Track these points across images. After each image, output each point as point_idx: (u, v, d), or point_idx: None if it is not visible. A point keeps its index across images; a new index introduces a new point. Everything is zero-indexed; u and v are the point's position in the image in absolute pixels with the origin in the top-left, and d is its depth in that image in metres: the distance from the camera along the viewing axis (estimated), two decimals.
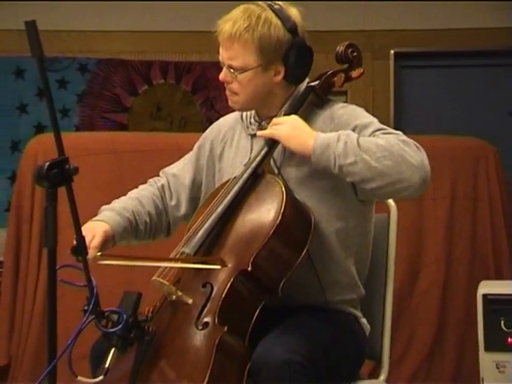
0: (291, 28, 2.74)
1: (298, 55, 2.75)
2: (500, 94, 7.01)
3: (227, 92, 2.83)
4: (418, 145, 2.63)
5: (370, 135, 2.67)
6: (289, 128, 2.67)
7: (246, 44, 2.72)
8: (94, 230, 2.72)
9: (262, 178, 2.72)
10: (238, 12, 2.76)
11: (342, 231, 2.78)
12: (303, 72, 2.81)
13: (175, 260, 2.65)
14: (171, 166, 3.08)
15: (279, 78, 2.78)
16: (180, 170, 3.03)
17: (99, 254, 2.66)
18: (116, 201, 2.96)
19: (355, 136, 2.60)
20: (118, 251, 2.77)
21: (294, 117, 2.71)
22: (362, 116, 2.78)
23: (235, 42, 2.73)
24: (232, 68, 2.76)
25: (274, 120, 2.73)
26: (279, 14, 2.75)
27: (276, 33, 2.72)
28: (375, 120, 2.75)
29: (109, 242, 2.76)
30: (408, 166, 2.56)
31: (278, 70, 2.77)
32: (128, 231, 2.85)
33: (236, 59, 2.74)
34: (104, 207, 2.91)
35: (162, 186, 3.00)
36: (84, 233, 2.61)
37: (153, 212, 2.94)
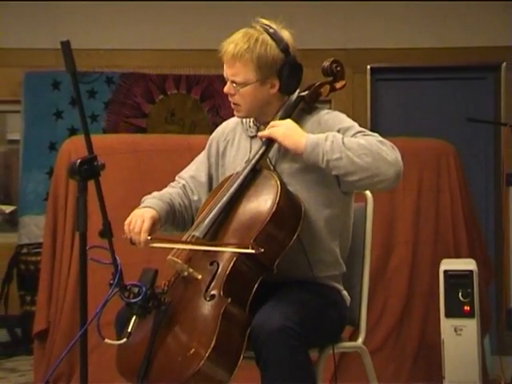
0: (284, 48, 2.75)
1: (290, 71, 2.76)
2: (459, 103, 7.02)
3: (232, 104, 2.84)
4: (393, 145, 2.65)
5: (351, 136, 2.68)
6: (284, 129, 2.68)
7: (246, 63, 2.72)
8: (143, 216, 2.72)
9: (260, 173, 2.72)
10: (239, 35, 2.76)
11: (328, 218, 2.78)
12: (295, 85, 2.82)
13: (212, 244, 2.63)
14: (185, 170, 3.05)
15: (275, 90, 2.78)
16: (195, 171, 3.01)
17: (149, 237, 2.67)
18: (153, 193, 2.93)
19: (340, 136, 2.62)
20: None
21: (288, 120, 2.72)
22: (344, 120, 2.79)
23: (237, 61, 2.73)
24: (235, 83, 2.76)
25: (272, 123, 2.73)
26: (274, 36, 2.75)
27: (271, 53, 2.73)
28: (356, 124, 2.77)
29: (156, 225, 2.77)
30: (385, 162, 2.58)
31: (274, 83, 2.77)
32: (169, 214, 2.85)
33: (238, 76, 2.75)
34: (146, 197, 2.89)
35: (184, 185, 2.98)
36: (134, 219, 2.70)
37: (182, 204, 2.93)
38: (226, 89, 2.81)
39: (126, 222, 2.72)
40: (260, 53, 2.72)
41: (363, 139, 2.62)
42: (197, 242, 2.65)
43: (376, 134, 2.70)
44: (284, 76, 2.76)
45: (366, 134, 2.69)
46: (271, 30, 2.76)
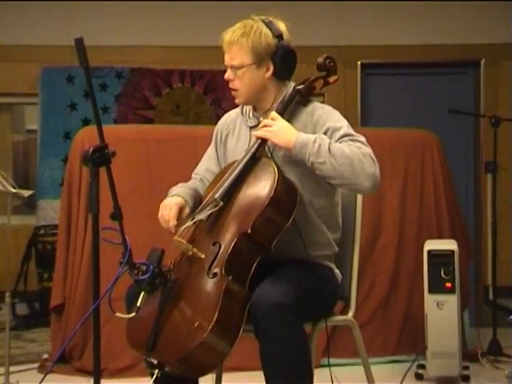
0: (278, 35, 2.76)
1: (283, 55, 2.76)
2: (442, 96, 7.02)
3: (232, 91, 2.83)
4: (373, 157, 2.64)
5: (339, 137, 2.67)
6: (277, 129, 2.66)
7: (242, 47, 2.74)
8: (170, 204, 2.75)
9: (259, 160, 2.71)
10: (236, 25, 2.79)
11: (316, 204, 2.78)
12: (288, 69, 2.81)
13: None
14: (199, 166, 3.05)
15: (269, 73, 2.78)
16: (207, 164, 3.01)
17: (176, 223, 2.68)
18: (178, 184, 2.94)
19: (328, 141, 2.60)
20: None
21: (281, 120, 2.69)
22: (336, 119, 2.77)
23: (234, 45, 2.75)
24: (233, 67, 2.77)
25: (265, 121, 2.71)
26: (269, 25, 2.78)
27: (265, 38, 2.75)
28: (345, 124, 2.74)
29: (185, 209, 2.77)
30: (363, 175, 2.59)
31: (269, 66, 2.77)
32: (195, 198, 2.84)
33: (235, 59, 2.76)
34: (172, 188, 2.90)
35: (201, 179, 2.98)
36: (162, 209, 2.73)
37: (202, 193, 2.92)
38: (226, 75, 2.81)
39: (159, 214, 2.75)
40: (255, 38, 2.74)
41: (348, 148, 2.60)
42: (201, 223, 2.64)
43: (362, 139, 2.68)
44: (277, 60, 2.76)
45: (352, 138, 2.67)
46: (267, 20, 2.79)
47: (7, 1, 6.81)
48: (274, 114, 2.72)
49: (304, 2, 6.87)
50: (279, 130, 2.66)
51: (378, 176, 2.62)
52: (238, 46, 2.74)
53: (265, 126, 2.70)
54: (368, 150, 2.64)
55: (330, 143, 2.60)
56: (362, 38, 7.00)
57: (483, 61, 7.03)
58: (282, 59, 2.76)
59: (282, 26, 2.80)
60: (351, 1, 6.99)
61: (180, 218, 2.73)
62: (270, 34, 2.75)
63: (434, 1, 6.93)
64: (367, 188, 2.62)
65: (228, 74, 2.80)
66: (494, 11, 7.01)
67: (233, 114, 3.01)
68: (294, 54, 2.80)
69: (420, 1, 6.92)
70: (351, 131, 2.71)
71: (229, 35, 2.76)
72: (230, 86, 2.82)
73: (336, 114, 2.80)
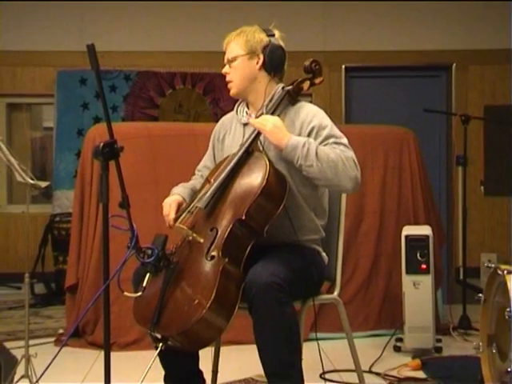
0: (270, 35, 2.81)
1: (272, 48, 2.79)
2: (417, 97, 7.02)
3: (227, 84, 2.85)
4: (356, 161, 2.64)
5: (324, 137, 2.67)
6: (272, 126, 2.65)
7: (237, 42, 2.80)
8: (170, 202, 2.79)
9: (252, 154, 2.70)
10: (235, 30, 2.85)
11: (303, 193, 2.77)
12: (277, 62, 2.81)
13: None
14: (201, 163, 3.06)
15: (259, 64, 2.79)
16: (206, 161, 3.03)
17: (174, 217, 2.71)
18: (180, 184, 2.97)
19: (315, 146, 2.59)
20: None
21: (276, 118, 2.68)
22: (321, 118, 2.75)
23: (231, 42, 2.82)
24: (229, 60, 2.81)
25: (263, 116, 2.70)
26: (264, 29, 2.83)
27: (259, 35, 2.80)
28: (330, 124, 2.73)
29: (182, 204, 2.80)
30: (345, 178, 2.59)
31: (259, 58, 2.78)
32: (191, 196, 2.84)
33: (231, 53, 2.81)
34: (173, 188, 2.92)
35: (201, 175, 2.99)
36: (163, 207, 2.78)
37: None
38: (223, 70, 2.85)
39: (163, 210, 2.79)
40: (249, 35, 2.80)
41: (333, 153, 2.60)
42: (199, 211, 2.64)
43: (345, 142, 2.68)
44: (267, 53, 2.77)
45: (337, 141, 2.67)
46: (263, 27, 2.83)
47: (26, 11, 6.80)
48: (265, 116, 2.70)
49: (293, 11, 6.87)
50: (274, 129, 2.64)
51: (359, 179, 2.63)
52: (235, 42, 2.80)
53: (263, 120, 2.68)
54: (350, 153, 2.65)
55: (317, 147, 2.59)
56: (345, 44, 7.00)
57: (454, 65, 7.04)
58: (271, 52, 2.78)
59: (276, 31, 2.84)
60: (337, 10, 6.99)
61: (179, 212, 2.74)
62: (263, 33, 2.80)
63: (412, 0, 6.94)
64: (348, 189, 2.64)
65: (225, 69, 2.84)
66: (465, 20, 7.02)
67: (229, 116, 3.01)
68: (282, 50, 2.81)
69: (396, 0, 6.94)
70: (335, 132, 2.71)
71: (228, 37, 2.83)
72: (226, 79, 2.84)
73: (321, 114, 2.78)
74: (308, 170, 2.59)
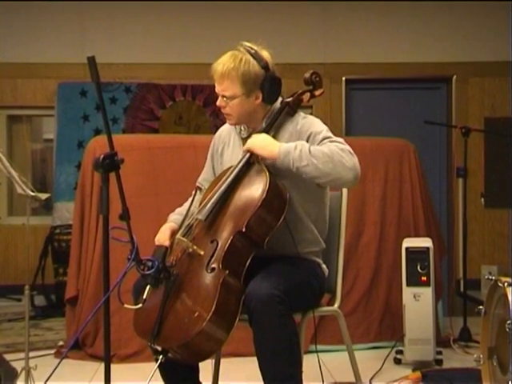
0: (264, 65, 2.73)
1: (270, 84, 2.74)
2: (418, 109, 7.03)
3: (225, 115, 2.82)
4: (351, 151, 2.62)
5: (320, 140, 2.66)
6: (259, 142, 2.65)
7: (233, 80, 2.71)
8: (164, 230, 2.79)
9: (253, 166, 2.70)
10: (226, 57, 2.75)
11: (305, 205, 2.77)
12: (275, 95, 2.79)
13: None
14: (202, 175, 3.05)
15: (259, 101, 2.76)
16: (206, 174, 3.02)
17: (169, 244, 2.70)
18: (176, 210, 2.97)
19: (307, 146, 2.59)
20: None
21: (262, 134, 2.69)
22: (317, 125, 2.76)
23: (225, 78, 2.72)
24: (225, 97, 2.75)
25: (248, 140, 2.71)
26: (255, 56, 2.73)
27: (253, 69, 2.71)
28: (325, 129, 2.73)
29: (176, 232, 2.77)
30: (344, 168, 2.56)
31: (258, 95, 2.75)
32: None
33: (227, 91, 2.73)
34: (170, 215, 2.94)
35: (201, 189, 2.96)
36: (159, 234, 2.77)
37: None
38: (218, 103, 2.79)
39: (156, 238, 2.77)
40: (244, 70, 2.70)
41: (327, 148, 2.59)
42: (200, 223, 2.64)
43: (340, 139, 2.67)
44: (266, 89, 2.74)
45: (331, 140, 2.66)
46: (252, 51, 2.74)
47: (27, 23, 6.83)
48: (254, 134, 2.71)
49: (293, 24, 6.89)
50: (261, 143, 2.64)
51: (358, 167, 2.60)
52: (230, 79, 2.71)
53: (249, 143, 2.69)
54: (346, 146, 2.63)
55: (309, 146, 2.59)
56: (346, 56, 7.01)
57: (455, 77, 7.05)
58: (269, 87, 2.74)
59: (265, 53, 2.77)
60: (337, 22, 7.01)
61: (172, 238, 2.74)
62: (256, 64, 2.71)
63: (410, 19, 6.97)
64: (350, 179, 2.58)
65: (220, 102, 2.78)
66: (465, 32, 7.04)
67: (227, 128, 3.00)
68: (279, 81, 2.78)
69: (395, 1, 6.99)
70: (330, 134, 2.71)
71: (220, 68, 2.72)
72: (223, 111, 2.81)
73: (317, 122, 2.79)
74: (305, 170, 2.57)
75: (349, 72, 7.02)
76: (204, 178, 3.02)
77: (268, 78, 2.73)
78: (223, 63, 2.72)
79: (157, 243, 2.72)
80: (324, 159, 2.55)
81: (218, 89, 2.77)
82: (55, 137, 6.83)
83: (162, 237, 2.76)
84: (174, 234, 2.77)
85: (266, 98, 2.76)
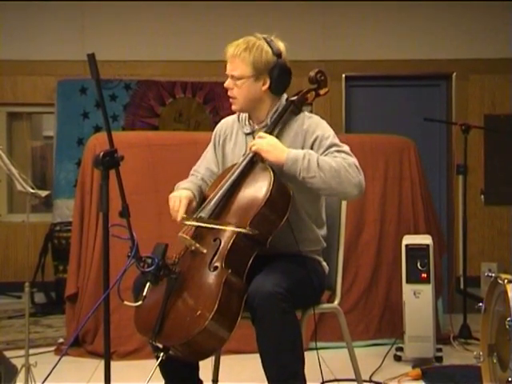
0: (277, 53, 2.73)
1: (280, 72, 2.73)
2: (418, 106, 7.04)
3: (230, 98, 2.80)
4: (358, 166, 2.63)
5: (327, 147, 2.66)
6: (266, 145, 2.63)
7: (243, 60, 2.71)
8: (180, 197, 2.70)
9: (257, 164, 2.68)
10: (240, 40, 2.76)
11: (306, 205, 2.77)
12: (283, 85, 2.77)
13: (218, 224, 2.59)
14: (198, 164, 3.00)
15: (266, 87, 2.75)
16: (208, 163, 2.96)
17: (184, 215, 2.64)
18: (184, 180, 2.92)
19: (316, 156, 2.58)
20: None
21: (270, 136, 2.67)
22: (323, 128, 2.75)
23: (236, 58, 2.72)
24: (233, 77, 2.74)
25: (254, 141, 2.68)
26: (270, 43, 2.74)
27: (265, 55, 2.72)
28: (332, 134, 2.73)
29: (192, 202, 2.74)
30: (350, 184, 2.58)
31: (265, 81, 2.74)
32: (200, 193, 2.83)
33: (236, 70, 2.73)
34: (179, 183, 2.87)
35: (202, 178, 2.93)
36: (173, 200, 2.68)
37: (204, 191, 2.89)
38: (226, 83, 2.78)
39: (170, 204, 2.70)
40: (256, 53, 2.71)
41: (335, 162, 2.58)
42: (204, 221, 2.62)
43: (347, 149, 2.67)
44: (274, 76, 2.73)
45: (339, 149, 2.66)
46: (268, 39, 2.76)
47: (27, 21, 6.83)
48: (261, 134, 2.69)
49: (293, 21, 6.89)
50: (269, 147, 2.63)
51: (363, 184, 2.62)
52: (241, 59, 2.71)
53: (254, 144, 2.67)
54: (352, 159, 2.63)
55: (318, 158, 2.58)
56: (346, 53, 7.02)
57: (455, 74, 7.05)
58: (278, 75, 2.73)
59: (281, 45, 2.77)
60: (337, 19, 7.01)
61: (188, 210, 2.69)
62: (270, 51, 2.72)
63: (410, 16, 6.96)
64: (355, 195, 2.62)
65: (228, 83, 2.77)
66: (465, 29, 7.04)
67: (230, 120, 2.98)
68: (289, 72, 2.76)
69: (400, 17, 6.96)
70: (337, 141, 2.70)
71: (232, 48, 2.74)
72: (229, 93, 2.79)
73: (324, 124, 2.78)
74: (311, 181, 2.57)
75: (349, 69, 7.02)
76: (207, 167, 2.95)
77: (278, 66, 2.72)
78: (237, 44, 2.75)
79: (171, 211, 2.67)
80: (331, 173, 2.56)
81: (228, 69, 2.77)
82: (55, 134, 6.84)
83: (178, 204, 2.67)
84: (190, 203, 2.71)
85: (273, 87, 2.74)
